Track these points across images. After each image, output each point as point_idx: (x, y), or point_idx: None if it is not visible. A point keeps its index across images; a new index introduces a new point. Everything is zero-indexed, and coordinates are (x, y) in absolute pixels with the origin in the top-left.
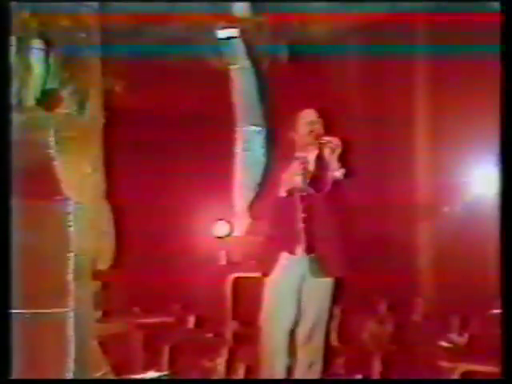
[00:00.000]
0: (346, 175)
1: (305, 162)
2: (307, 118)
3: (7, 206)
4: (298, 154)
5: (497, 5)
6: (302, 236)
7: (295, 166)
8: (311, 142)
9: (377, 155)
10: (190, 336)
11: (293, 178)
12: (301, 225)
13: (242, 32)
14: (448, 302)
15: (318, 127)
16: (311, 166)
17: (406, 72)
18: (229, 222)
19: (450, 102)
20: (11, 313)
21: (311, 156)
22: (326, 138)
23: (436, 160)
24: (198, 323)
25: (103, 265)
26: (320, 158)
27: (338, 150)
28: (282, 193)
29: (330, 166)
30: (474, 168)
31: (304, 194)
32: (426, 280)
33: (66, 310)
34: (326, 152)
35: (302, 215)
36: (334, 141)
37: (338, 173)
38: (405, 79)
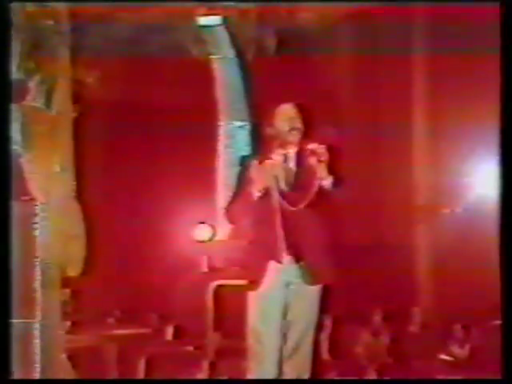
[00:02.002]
0: (335, 183)
1: (285, 160)
2: (285, 114)
3: None
4: (277, 151)
5: None
6: (290, 243)
7: (271, 164)
8: (291, 139)
9: (372, 153)
10: (167, 349)
11: (267, 176)
12: (288, 229)
13: (226, 20)
14: (448, 311)
15: (297, 122)
16: (292, 165)
17: (402, 66)
18: (211, 225)
19: (450, 98)
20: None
21: (291, 154)
22: (311, 147)
23: (435, 159)
24: (177, 335)
25: (73, 271)
26: (302, 163)
27: (325, 159)
28: (255, 192)
29: (318, 175)
30: (476, 167)
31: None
32: (425, 288)
33: (32, 320)
34: (312, 160)
35: (289, 219)
36: (319, 149)
37: (326, 182)
38: (401, 74)
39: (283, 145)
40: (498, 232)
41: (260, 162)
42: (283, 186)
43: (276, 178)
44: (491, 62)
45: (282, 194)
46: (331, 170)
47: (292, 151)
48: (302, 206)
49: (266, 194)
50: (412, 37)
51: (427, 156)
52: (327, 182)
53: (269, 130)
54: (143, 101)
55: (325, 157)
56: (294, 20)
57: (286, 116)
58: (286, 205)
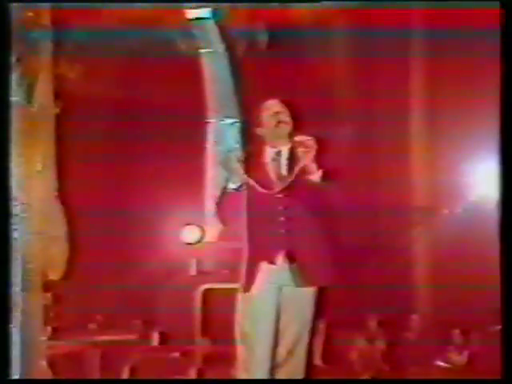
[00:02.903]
0: (325, 177)
1: (277, 159)
2: (271, 110)
3: None
4: (268, 150)
5: None
6: (282, 243)
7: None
8: (281, 135)
9: (366, 152)
10: (153, 355)
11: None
12: (281, 230)
13: (215, 13)
14: (446, 317)
15: (284, 117)
16: (285, 164)
17: (399, 63)
18: (199, 226)
19: (449, 93)
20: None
21: (284, 151)
22: (298, 139)
23: (433, 157)
24: (163, 341)
25: (54, 275)
26: (292, 159)
27: (313, 151)
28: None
29: (306, 169)
30: (477, 165)
31: (280, 195)
32: (422, 292)
33: (10, 325)
34: (300, 153)
35: (282, 219)
36: (307, 142)
37: (314, 176)
38: (398, 71)
39: (274, 142)
40: (499, 234)
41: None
42: (275, 182)
43: (266, 175)
44: (491, 60)
45: (272, 190)
46: (321, 165)
47: (284, 148)
48: (283, 193)
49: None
50: (410, 34)
51: (425, 154)
52: (315, 176)
53: (258, 131)
54: (129, 97)
55: (313, 149)
56: (287, 14)
57: (271, 111)
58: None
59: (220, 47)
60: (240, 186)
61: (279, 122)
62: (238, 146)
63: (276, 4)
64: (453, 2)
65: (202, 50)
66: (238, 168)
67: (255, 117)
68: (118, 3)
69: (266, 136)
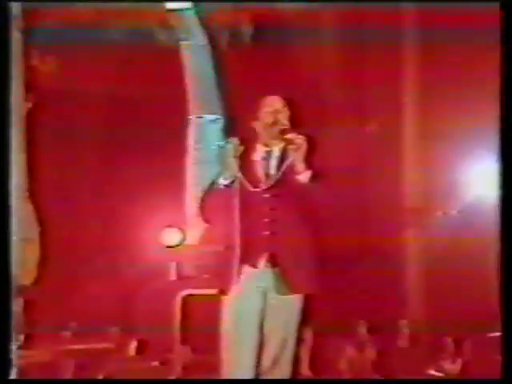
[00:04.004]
0: (313, 178)
1: (267, 158)
2: (271, 107)
3: None
4: (259, 148)
5: None
6: (265, 245)
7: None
8: (276, 135)
9: (357, 150)
10: (130, 365)
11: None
12: (264, 232)
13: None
14: (439, 323)
15: (283, 117)
16: (275, 163)
17: (392, 58)
18: (180, 228)
19: (444, 89)
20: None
21: (275, 151)
22: (288, 136)
23: (427, 155)
24: (141, 349)
25: (26, 279)
26: (283, 159)
27: (303, 150)
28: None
29: (294, 168)
30: (473, 165)
31: (266, 195)
32: (414, 298)
33: None
34: (289, 152)
35: (266, 220)
36: (297, 139)
37: (302, 176)
38: (391, 63)
39: (266, 141)
40: (499, 237)
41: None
42: (263, 182)
43: (255, 174)
44: (490, 59)
45: (260, 190)
46: (311, 165)
47: (276, 148)
48: (269, 193)
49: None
50: (404, 29)
51: (419, 153)
52: (304, 176)
53: (254, 124)
54: (105, 91)
55: (302, 147)
56: (273, 5)
57: (271, 108)
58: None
59: (201, 39)
60: (232, 182)
61: (276, 121)
62: (220, 143)
63: None
64: (453, 2)
65: (183, 42)
66: (233, 163)
67: (250, 112)
68: None
69: (259, 133)
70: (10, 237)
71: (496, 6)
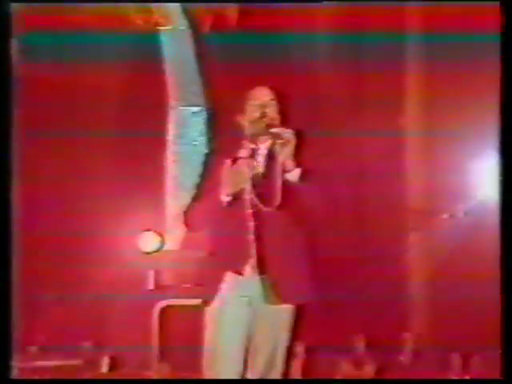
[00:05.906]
0: (304, 176)
1: (253, 156)
2: (259, 99)
3: None
4: (245, 145)
5: None
6: (252, 251)
7: (240, 162)
8: (262, 130)
9: (356, 150)
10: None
11: (237, 176)
12: (250, 236)
13: None
14: (444, 337)
15: (271, 111)
16: (261, 162)
17: (394, 55)
18: (158, 232)
19: (446, 88)
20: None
21: (262, 148)
22: (275, 130)
23: (431, 156)
24: (114, 366)
25: None
26: (271, 158)
27: (291, 146)
28: (224, 197)
29: (283, 167)
30: (480, 165)
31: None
32: (417, 310)
33: None
34: (277, 148)
35: (251, 223)
36: (285, 133)
37: (291, 175)
38: (392, 58)
39: (253, 137)
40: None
41: (233, 162)
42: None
43: (246, 178)
44: (491, 61)
45: (253, 195)
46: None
47: (263, 145)
48: (272, 206)
49: (235, 197)
50: (404, 28)
51: (423, 153)
52: (293, 174)
53: (239, 118)
54: (77, 80)
55: (291, 143)
56: None
57: (258, 100)
58: (258, 206)
59: (182, 24)
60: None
61: (264, 115)
62: (202, 137)
63: None
64: (453, 2)
65: (162, 27)
66: (247, 183)
67: (230, 104)
68: None
69: (246, 128)
70: None
71: (496, 5)
